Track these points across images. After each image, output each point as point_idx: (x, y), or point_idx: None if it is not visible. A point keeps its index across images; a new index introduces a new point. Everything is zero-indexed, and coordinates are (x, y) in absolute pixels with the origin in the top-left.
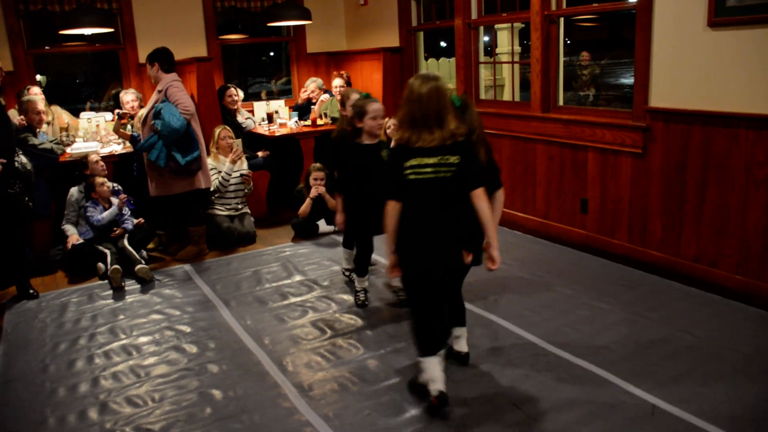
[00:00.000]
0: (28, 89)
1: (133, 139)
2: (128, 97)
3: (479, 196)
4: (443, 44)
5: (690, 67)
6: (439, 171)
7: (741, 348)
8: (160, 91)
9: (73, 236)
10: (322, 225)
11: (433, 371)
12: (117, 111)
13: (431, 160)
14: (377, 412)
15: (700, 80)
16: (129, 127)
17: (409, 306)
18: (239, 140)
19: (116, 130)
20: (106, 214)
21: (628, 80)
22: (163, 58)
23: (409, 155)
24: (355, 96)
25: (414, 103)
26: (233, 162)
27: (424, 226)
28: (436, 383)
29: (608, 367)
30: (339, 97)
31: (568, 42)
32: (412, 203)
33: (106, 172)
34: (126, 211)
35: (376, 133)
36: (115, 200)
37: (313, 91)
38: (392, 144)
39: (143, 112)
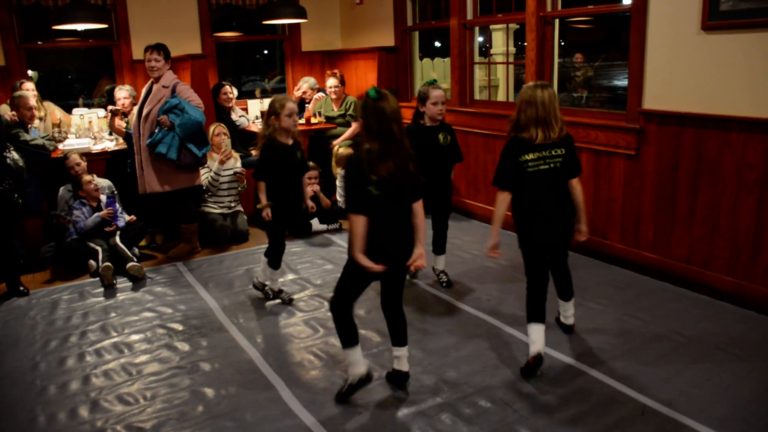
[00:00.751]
0: (21, 84)
1: (127, 136)
2: (122, 93)
3: (578, 183)
4: (437, 44)
5: (684, 69)
6: (550, 162)
7: (731, 349)
8: (165, 87)
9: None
10: (316, 224)
11: (537, 335)
12: (109, 107)
13: (545, 153)
14: (370, 411)
15: (693, 83)
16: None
17: (528, 277)
18: (228, 140)
19: (111, 126)
20: (89, 221)
21: (621, 82)
22: (169, 54)
23: (528, 150)
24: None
25: (535, 105)
26: (221, 162)
27: (542, 209)
28: (536, 345)
29: (599, 367)
30: (333, 96)
31: (562, 43)
32: (531, 191)
33: (99, 193)
34: (117, 207)
35: (436, 118)
36: (103, 197)
37: (305, 91)
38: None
39: (137, 108)
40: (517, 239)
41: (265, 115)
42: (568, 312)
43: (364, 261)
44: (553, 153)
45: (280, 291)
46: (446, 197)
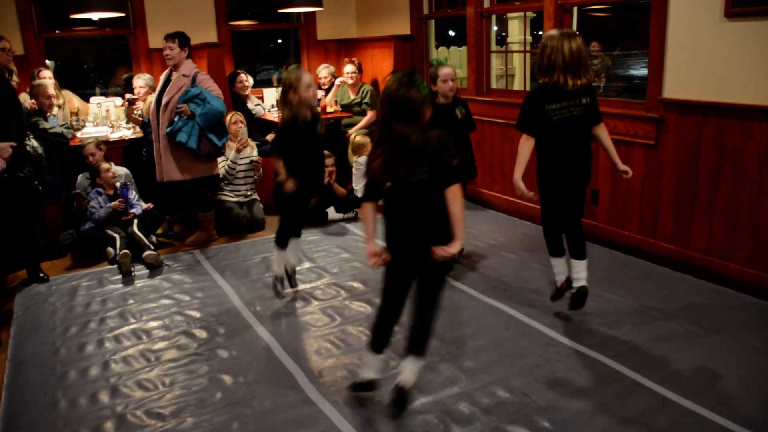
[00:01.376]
0: (39, 72)
1: (143, 125)
2: (139, 82)
3: (602, 127)
4: (452, 33)
5: (705, 58)
6: (574, 109)
7: (751, 341)
8: (185, 76)
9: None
10: (332, 212)
11: (560, 267)
12: (128, 96)
13: (570, 103)
14: (386, 400)
15: (715, 72)
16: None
17: (542, 219)
18: (245, 128)
19: (128, 116)
20: (102, 212)
21: (638, 71)
22: (188, 43)
23: (554, 98)
24: (449, 70)
25: (560, 52)
26: (238, 151)
27: (566, 150)
28: (561, 275)
29: (618, 358)
30: (350, 82)
31: (579, 33)
32: (555, 136)
33: (117, 180)
34: (134, 195)
35: (448, 95)
36: (118, 185)
37: (325, 77)
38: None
39: (152, 97)
40: (537, 179)
41: (281, 93)
42: (580, 273)
43: (370, 250)
44: (578, 102)
45: (290, 277)
46: (471, 164)
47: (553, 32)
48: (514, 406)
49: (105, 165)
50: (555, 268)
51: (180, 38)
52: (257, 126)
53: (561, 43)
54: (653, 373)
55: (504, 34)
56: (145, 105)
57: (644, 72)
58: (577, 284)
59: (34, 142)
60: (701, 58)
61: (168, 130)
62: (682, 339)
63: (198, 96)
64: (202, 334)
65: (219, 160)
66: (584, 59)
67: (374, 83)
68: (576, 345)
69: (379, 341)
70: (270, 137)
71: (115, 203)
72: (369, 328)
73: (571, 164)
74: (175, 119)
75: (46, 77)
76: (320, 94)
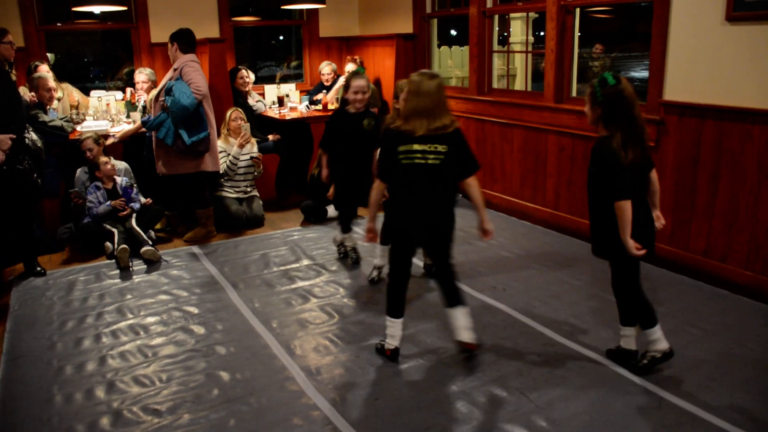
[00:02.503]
0: (36, 66)
1: (144, 123)
2: (141, 77)
3: (471, 183)
4: (454, 33)
5: (706, 61)
6: (428, 157)
7: (748, 343)
8: (175, 69)
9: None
10: (331, 210)
11: (395, 330)
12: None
13: (421, 147)
14: (384, 398)
15: (715, 75)
16: (139, 110)
17: (390, 272)
18: (247, 124)
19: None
20: (101, 209)
21: (638, 73)
22: (182, 39)
23: (405, 141)
24: (356, 82)
25: (418, 95)
26: (241, 146)
27: (414, 203)
28: (395, 340)
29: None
30: None
31: (579, 34)
32: (405, 184)
33: (116, 172)
34: (133, 190)
35: (357, 106)
36: (119, 179)
37: (328, 74)
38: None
39: (155, 91)
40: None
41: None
42: (460, 321)
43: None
44: (434, 148)
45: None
46: (370, 177)
47: (415, 74)
48: (512, 405)
49: (103, 158)
50: (389, 329)
51: (174, 37)
52: (258, 123)
53: (418, 86)
54: (650, 374)
55: (506, 34)
56: (147, 99)
57: (645, 74)
58: (462, 337)
59: (33, 135)
60: (702, 61)
61: (146, 123)
62: (680, 340)
63: (171, 89)
64: (199, 330)
65: (221, 155)
66: (442, 101)
67: (376, 82)
68: (573, 345)
69: (398, 306)
70: (272, 137)
71: (115, 202)
72: (386, 296)
73: (416, 222)
74: (160, 113)
75: (44, 70)
76: (323, 91)
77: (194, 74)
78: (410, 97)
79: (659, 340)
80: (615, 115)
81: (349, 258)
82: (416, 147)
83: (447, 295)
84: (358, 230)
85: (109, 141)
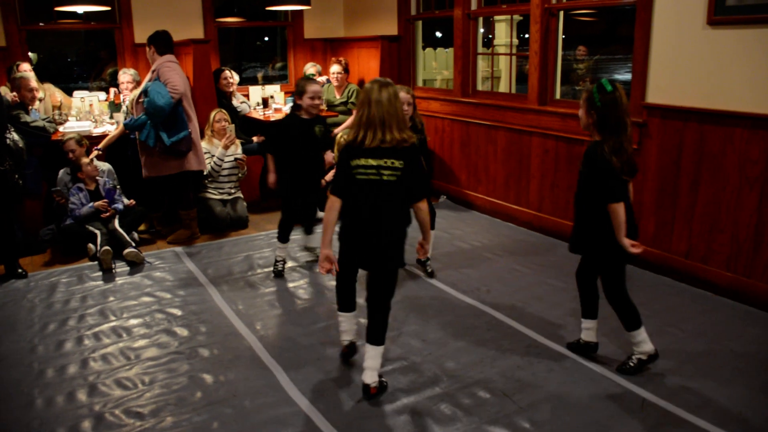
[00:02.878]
0: (18, 66)
1: (126, 125)
2: (125, 77)
3: (420, 208)
4: (439, 35)
5: (688, 64)
6: (383, 173)
7: (729, 344)
8: (153, 71)
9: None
10: (318, 213)
11: (346, 324)
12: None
13: (375, 162)
14: (368, 400)
15: (697, 78)
16: (123, 111)
17: (336, 279)
18: (232, 125)
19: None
20: (83, 210)
21: (622, 76)
22: (159, 41)
23: (357, 155)
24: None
25: (369, 105)
26: (226, 147)
27: (363, 224)
28: (348, 335)
29: (598, 359)
30: (336, 84)
31: (563, 36)
32: (355, 201)
33: (98, 173)
34: (116, 192)
35: (312, 112)
36: (102, 180)
37: (313, 75)
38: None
39: (136, 92)
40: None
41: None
42: (370, 362)
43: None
44: (388, 163)
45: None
46: (318, 182)
47: (366, 84)
48: (495, 406)
49: (85, 159)
50: (341, 325)
51: (149, 40)
52: (242, 124)
53: (368, 95)
54: (632, 375)
55: (491, 36)
56: (128, 100)
57: (627, 77)
58: (365, 378)
59: (14, 136)
60: (684, 64)
61: (126, 124)
62: (662, 342)
63: (148, 90)
64: (183, 332)
65: (205, 156)
66: (396, 112)
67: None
68: (556, 347)
69: (347, 301)
70: (257, 139)
71: (98, 203)
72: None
73: (362, 246)
74: (141, 115)
75: (26, 70)
76: None
77: (170, 74)
78: (361, 107)
79: (645, 341)
80: (610, 120)
81: (282, 271)
82: (371, 162)
83: (372, 329)
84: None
85: (93, 154)
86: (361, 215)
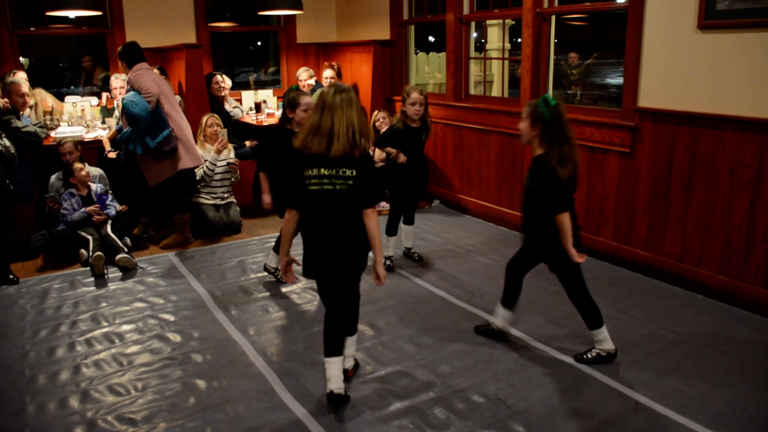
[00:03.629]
0: (14, 73)
1: (117, 142)
2: (117, 83)
3: (368, 215)
4: (431, 39)
5: (679, 68)
6: (336, 183)
7: (722, 346)
8: (128, 83)
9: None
10: None
11: (332, 371)
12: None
13: (327, 171)
14: (363, 405)
15: (688, 81)
16: (116, 116)
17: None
18: (225, 130)
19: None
20: (75, 215)
21: (614, 80)
22: (126, 55)
23: (309, 164)
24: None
25: (322, 111)
26: (218, 152)
27: (320, 235)
28: (331, 383)
29: (592, 363)
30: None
31: (555, 41)
32: (312, 212)
33: (90, 178)
34: (108, 197)
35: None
36: (94, 186)
37: (305, 80)
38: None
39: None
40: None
41: (403, 113)
42: (346, 351)
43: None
44: (341, 172)
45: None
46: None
47: (324, 89)
48: (489, 410)
49: (78, 165)
50: (327, 372)
51: (119, 57)
52: (235, 129)
53: (322, 100)
54: (626, 378)
55: (483, 40)
56: (117, 109)
57: (620, 80)
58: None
59: (6, 142)
60: (676, 68)
61: (117, 140)
62: (655, 344)
63: (123, 104)
64: (175, 337)
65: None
66: (350, 120)
67: (354, 88)
68: (550, 350)
69: (330, 345)
70: (249, 143)
71: (90, 208)
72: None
73: (320, 257)
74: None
75: (21, 77)
76: None
77: (141, 80)
78: (312, 112)
79: (606, 340)
80: (555, 133)
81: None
82: (323, 171)
83: (345, 324)
84: None
85: (112, 155)
86: (317, 229)
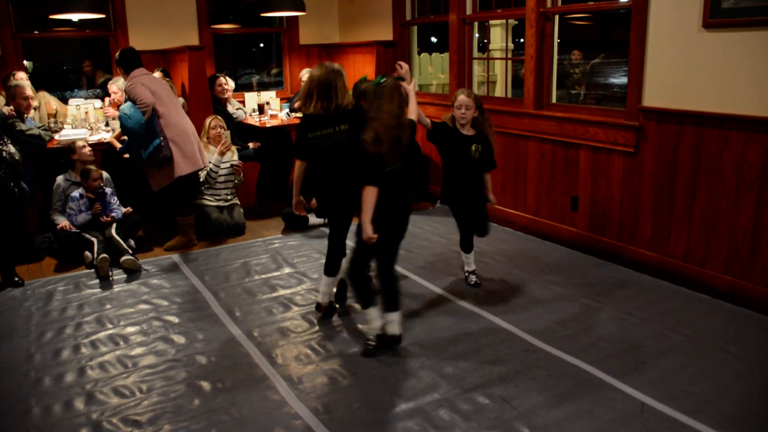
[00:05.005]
0: (14, 75)
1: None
2: (114, 87)
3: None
4: (434, 39)
5: (684, 67)
6: (335, 136)
7: (728, 347)
8: (124, 92)
9: (63, 222)
10: (312, 217)
11: (327, 287)
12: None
13: (330, 130)
14: (366, 406)
15: (693, 81)
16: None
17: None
18: (228, 132)
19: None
20: (80, 218)
21: (617, 80)
22: (123, 61)
23: (314, 126)
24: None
25: (315, 82)
26: (221, 154)
27: (331, 181)
28: (325, 297)
29: (597, 364)
30: None
31: (559, 41)
32: (320, 164)
33: (93, 158)
34: (114, 199)
35: None
36: (109, 189)
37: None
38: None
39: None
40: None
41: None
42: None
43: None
44: (338, 129)
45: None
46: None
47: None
48: (494, 412)
49: (80, 142)
50: (321, 287)
51: (116, 64)
52: (238, 130)
53: (312, 72)
54: (632, 379)
55: (486, 41)
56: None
57: (624, 80)
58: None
59: (11, 148)
60: (680, 68)
61: (118, 151)
62: (661, 345)
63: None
64: (180, 339)
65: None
66: (339, 85)
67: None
68: (555, 351)
69: (332, 267)
70: (252, 145)
71: (95, 207)
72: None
73: (334, 201)
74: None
75: (22, 78)
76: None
77: (135, 91)
78: (306, 83)
79: (373, 320)
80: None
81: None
82: (326, 131)
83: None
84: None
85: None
86: (323, 173)
